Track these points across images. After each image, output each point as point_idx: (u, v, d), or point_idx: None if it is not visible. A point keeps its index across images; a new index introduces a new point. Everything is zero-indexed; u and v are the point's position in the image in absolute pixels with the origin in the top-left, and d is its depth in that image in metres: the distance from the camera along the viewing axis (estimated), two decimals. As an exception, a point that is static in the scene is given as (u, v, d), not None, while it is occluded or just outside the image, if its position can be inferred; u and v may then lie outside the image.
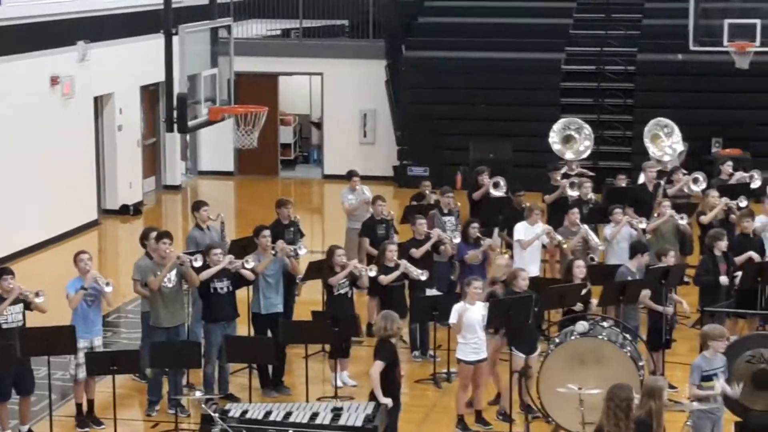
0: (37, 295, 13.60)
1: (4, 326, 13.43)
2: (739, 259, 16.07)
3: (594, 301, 14.56)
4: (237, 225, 23.05)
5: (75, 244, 21.00)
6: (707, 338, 11.92)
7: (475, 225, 16.90)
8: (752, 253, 16.30)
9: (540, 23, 28.79)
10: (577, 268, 14.83)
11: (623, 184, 20.29)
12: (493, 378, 14.39)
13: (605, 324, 13.64)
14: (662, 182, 19.79)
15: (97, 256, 20.62)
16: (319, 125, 30.26)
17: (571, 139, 23.52)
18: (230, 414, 12.14)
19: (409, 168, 27.69)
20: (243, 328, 15.71)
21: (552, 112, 26.52)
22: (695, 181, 19.85)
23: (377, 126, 28.80)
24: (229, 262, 14.71)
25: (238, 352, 14.29)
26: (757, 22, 24.38)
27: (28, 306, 13.61)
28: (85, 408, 14.28)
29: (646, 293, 14.91)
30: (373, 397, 12.27)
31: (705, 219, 17.94)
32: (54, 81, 22.74)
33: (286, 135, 30.32)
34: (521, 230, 17.19)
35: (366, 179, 19.74)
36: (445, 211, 18.24)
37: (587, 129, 23.59)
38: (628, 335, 13.63)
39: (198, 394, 13.90)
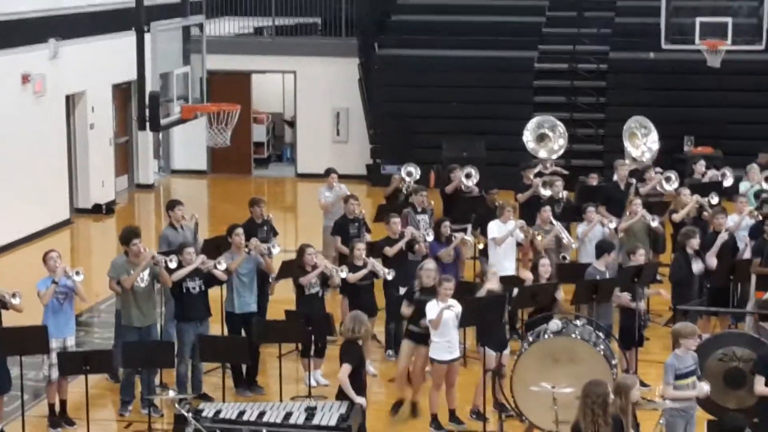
0: (14, 296, 13.54)
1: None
2: (712, 253, 16.13)
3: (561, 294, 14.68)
4: (210, 224, 22.98)
5: (47, 243, 20.90)
6: (679, 336, 11.98)
7: (447, 224, 16.91)
8: (723, 235, 16.37)
9: (513, 21, 28.83)
10: (542, 267, 14.95)
11: (595, 183, 20.35)
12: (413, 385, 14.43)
13: (578, 323, 13.67)
14: (634, 181, 19.86)
15: (69, 256, 20.57)
16: (292, 123, 30.23)
17: (546, 138, 23.57)
18: (203, 414, 12.13)
19: (382, 166, 27.68)
20: (217, 327, 15.68)
21: (525, 111, 26.58)
22: (668, 179, 19.92)
23: (350, 124, 28.78)
24: (201, 262, 14.69)
25: (211, 351, 14.26)
26: (729, 20, 24.47)
27: (4, 305, 13.55)
28: (57, 408, 14.23)
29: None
30: (341, 397, 12.27)
31: (677, 217, 18.00)
32: (25, 79, 22.63)
33: (259, 133, 30.24)
34: (494, 228, 17.22)
35: (339, 177, 19.73)
36: (419, 209, 18.27)
37: (561, 127, 23.64)
38: (601, 334, 13.66)
39: (171, 393, 13.85)
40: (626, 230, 17.75)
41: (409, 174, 19.60)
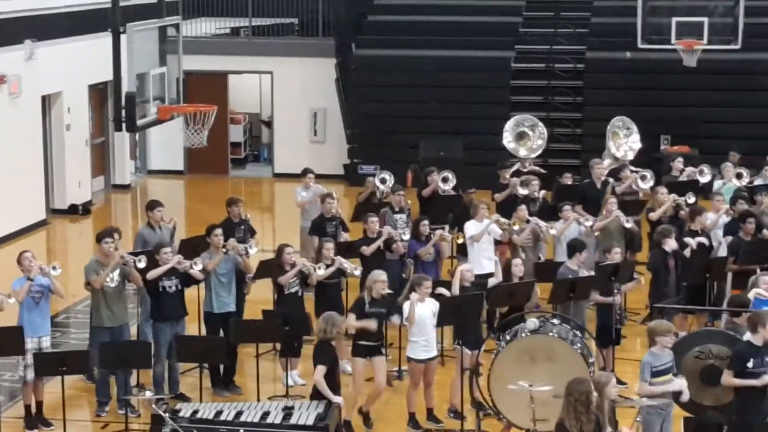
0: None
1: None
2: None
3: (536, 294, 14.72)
4: (187, 224, 22.94)
5: (23, 244, 20.80)
6: (654, 334, 12.02)
7: (425, 222, 16.93)
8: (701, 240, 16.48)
9: (490, 21, 28.86)
10: (515, 266, 15.07)
11: (569, 182, 20.41)
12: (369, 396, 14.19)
13: (555, 321, 13.68)
14: (611, 180, 19.90)
15: (45, 256, 20.48)
16: (269, 124, 30.21)
17: (525, 137, 23.59)
18: (181, 414, 12.10)
19: (359, 166, 27.68)
20: (194, 327, 15.66)
21: (502, 110, 26.63)
22: (643, 178, 19.97)
23: (327, 124, 28.77)
24: (177, 261, 14.66)
25: (189, 351, 14.25)
26: (705, 20, 24.57)
27: None
28: (33, 409, 14.16)
29: None
30: (316, 397, 12.27)
31: (654, 215, 18.05)
32: (1, 80, 22.54)
33: (236, 134, 30.23)
34: (471, 228, 17.23)
35: (316, 178, 19.72)
36: (396, 208, 18.28)
37: (541, 126, 23.68)
38: (578, 332, 13.68)
39: (148, 394, 13.82)
40: (602, 229, 17.79)
41: (383, 181, 19.56)
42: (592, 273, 15.31)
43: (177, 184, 28.90)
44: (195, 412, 12.16)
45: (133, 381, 14.82)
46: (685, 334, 13.69)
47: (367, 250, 16.41)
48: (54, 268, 13.98)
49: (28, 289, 13.80)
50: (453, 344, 14.22)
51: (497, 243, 17.56)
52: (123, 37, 17.94)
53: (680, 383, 11.98)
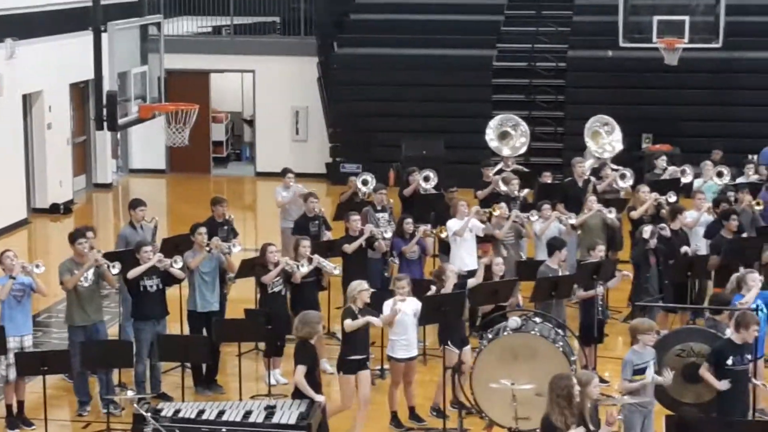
0: None
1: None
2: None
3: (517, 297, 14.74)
4: (169, 223, 22.91)
5: (4, 243, 20.73)
6: (636, 332, 12.06)
7: (409, 220, 16.93)
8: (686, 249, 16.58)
9: (471, 20, 28.87)
10: (495, 265, 15.11)
11: (549, 181, 20.44)
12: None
13: (537, 319, 13.70)
14: (592, 178, 19.95)
15: (27, 255, 20.43)
16: (251, 123, 30.18)
17: (508, 136, 23.63)
18: (162, 413, 12.06)
19: (341, 165, 27.68)
20: (177, 326, 15.64)
21: (484, 109, 26.67)
22: (622, 176, 20.04)
23: (309, 123, 28.76)
24: (158, 260, 14.63)
25: (170, 350, 14.22)
26: (686, 18, 24.65)
27: None
28: (15, 409, 14.12)
29: None
30: (297, 396, 12.25)
31: (635, 214, 18.09)
32: (-19, 79, 22.51)
33: (218, 132, 30.20)
34: (453, 225, 17.24)
35: (299, 176, 19.73)
36: (378, 207, 18.27)
37: (523, 125, 23.72)
38: (560, 330, 13.71)
39: (130, 393, 13.79)
40: (583, 227, 17.82)
41: (365, 183, 19.55)
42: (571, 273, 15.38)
43: (159, 183, 28.85)
44: (177, 411, 12.13)
45: (114, 380, 14.77)
46: (667, 332, 13.72)
47: (348, 248, 16.41)
48: (37, 266, 13.96)
49: (9, 289, 13.77)
50: (441, 345, 14.14)
51: (480, 241, 17.57)
52: (104, 36, 17.90)
53: (654, 377, 12.01)
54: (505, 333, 13.34)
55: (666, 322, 15.99)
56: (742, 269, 14.87)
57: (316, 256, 15.61)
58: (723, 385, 12.06)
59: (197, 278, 15.12)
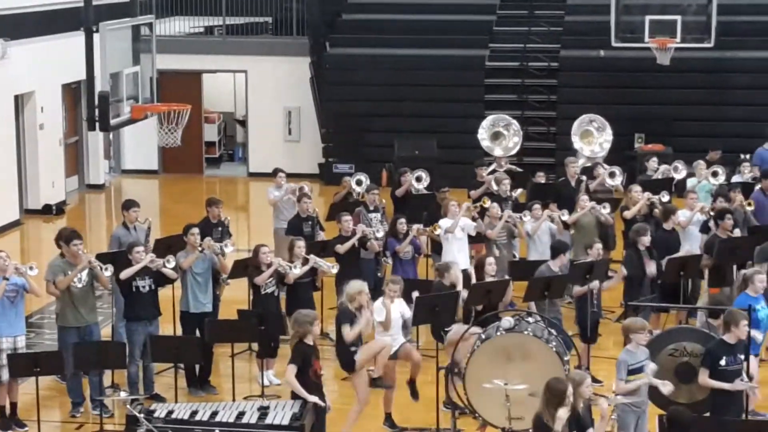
0: None
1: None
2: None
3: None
4: (162, 224, 22.90)
5: (-4, 244, 20.76)
6: (629, 331, 12.08)
7: (402, 220, 17.00)
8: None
9: (463, 20, 28.88)
10: (488, 265, 15.09)
11: (543, 181, 20.45)
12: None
13: (530, 319, 13.70)
14: (584, 177, 19.97)
15: (19, 256, 20.40)
16: (243, 123, 30.17)
17: (500, 136, 23.64)
18: (156, 414, 12.06)
19: (334, 165, 27.68)
20: (169, 327, 15.63)
21: (476, 109, 26.68)
22: (611, 175, 20.08)
23: (302, 123, 28.76)
24: (150, 260, 14.62)
25: (163, 351, 14.21)
26: (678, 18, 24.67)
27: None
28: (8, 410, 14.11)
29: None
30: (297, 396, 12.23)
31: (628, 214, 18.11)
32: (-27, 80, 22.48)
33: (210, 133, 30.18)
34: (445, 224, 17.26)
35: (291, 177, 19.73)
36: (371, 207, 18.30)
37: (515, 126, 23.74)
38: (553, 330, 13.71)
39: (123, 394, 13.79)
40: (577, 226, 17.84)
41: (359, 183, 19.55)
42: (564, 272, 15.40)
43: (151, 183, 28.83)
44: (170, 412, 12.13)
45: (107, 381, 14.76)
46: (660, 332, 13.73)
47: (341, 248, 16.42)
48: (31, 268, 13.95)
49: (3, 290, 13.75)
50: (437, 340, 14.17)
51: (472, 241, 17.59)
52: (96, 36, 17.88)
53: (653, 380, 12.04)
54: (498, 333, 13.34)
55: (658, 322, 16.01)
56: (734, 268, 14.90)
57: (312, 256, 15.64)
58: (739, 385, 12.06)
59: (190, 279, 15.12)
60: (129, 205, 16.64)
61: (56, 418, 14.53)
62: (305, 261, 15.54)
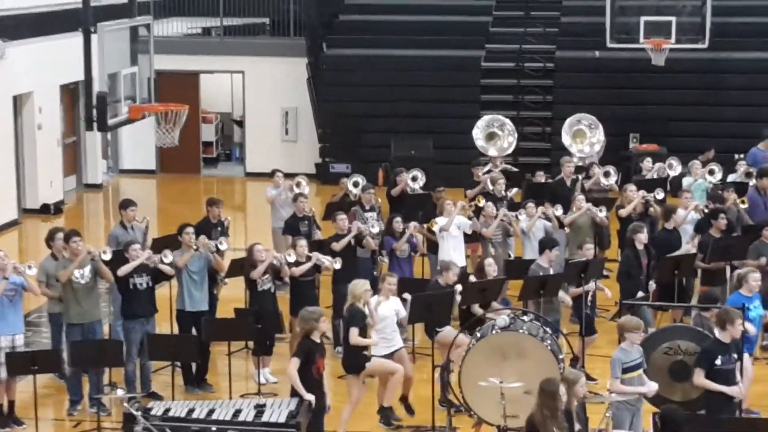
0: None
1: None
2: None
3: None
4: (159, 223, 22.93)
5: (-5, 243, 20.81)
6: (623, 330, 12.12)
7: (398, 219, 17.08)
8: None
9: (460, 21, 28.94)
10: (488, 266, 15.14)
11: (543, 180, 20.52)
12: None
13: (526, 318, 13.77)
14: (580, 177, 20.05)
15: (17, 256, 20.42)
16: (240, 123, 30.21)
17: (495, 136, 23.70)
18: (153, 412, 12.08)
19: (331, 165, 27.73)
20: (166, 325, 15.68)
21: (472, 109, 26.75)
22: (606, 174, 20.14)
23: (299, 123, 28.81)
24: (147, 257, 14.70)
25: (160, 350, 14.27)
26: (672, 19, 24.74)
27: None
28: (5, 408, 14.16)
29: None
30: (295, 393, 12.29)
31: (623, 212, 18.19)
32: (-29, 80, 22.53)
33: (208, 133, 30.24)
34: (441, 223, 17.34)
35: (288, 177, 19.77)
36: (367, 207, 18.37)
37: (510, 126, 23.79)
38: (548, 329, 13.78)
39: (120, 392, 13.83)
40: (572, 225, 17.92)
41: (356, 185, 19.63)
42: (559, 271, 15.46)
43: (149, 183, 28.88)
44: (167, 410, 12.15)
45: (104, 379, 14.82)
46: (654, 330, 13.80)
47: (337, 246, 16.48)
48: (29, 267, 14.03)
49: (2, 290, 13.81)
50: (431, 339, 14.25)
51: (468, 240, 17.67)
52: (94, 37, 17.93)
53: (652, 387, 12.11)
54: (494, 331, 13.40)
55: (654, 321, 16.08)
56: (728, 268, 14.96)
57: (315, 254, 15.73)
58: (734, 391, 12.13)
59: (185, 277, 15.17)
60: (126, 204, 16.70)
61: (54, 416, 14.59)
62: (308, 259, 15.63)
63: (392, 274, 14.25)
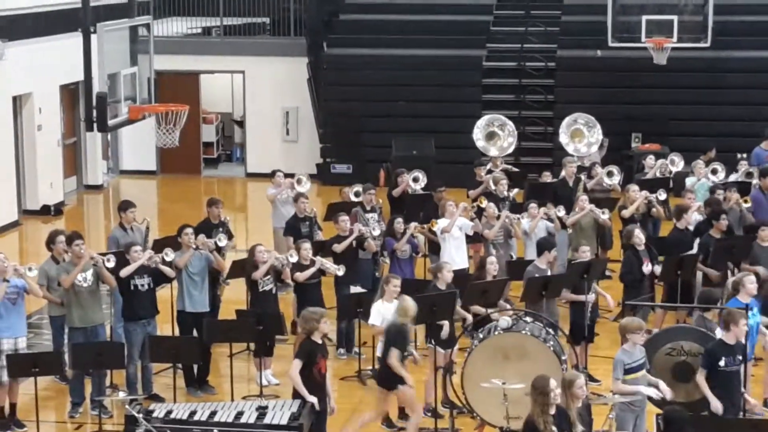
0: None
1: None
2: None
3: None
4: (160, 224, 22.90)
5: (-5, 245, 20.78)
6: (625, 331, 12.10)
7: (400, 220, 17.04)
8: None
9: (461, 20, 28.91)
10: (490, 264, 15.08)
11: (548, 180, 20.48)
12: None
13: (528, 319, 13.74)
14: (582, 177, 20.01)
15: (18, 257, 20.41)
16: (241, 123, 30.19)
17: (495, 136, 23.67)
18: (154, 414, 12.10)
19: (332, 165, 27.71)
20: (167, 327, 15.65)
21: (474, 109, 26.71)
22: (609, 174, 20.10)
23: (300, 124, 28.79)
24: (148, 257, 14.66)
25: (162, 351, 14.23)
26: (674, 18, 24.74)
27: None
28: (7, 411, 14.13)
29: None
30: (298, 395, 12.25)
31: (626, 213, 18.16)
32: (-29, 81, 22.49)
33: (208, 133, 30.21)
34: (443, 223, 17.29)
35: (289, 177, 19.73)
36: (368, 208, 18.33)
37: (510, 125, 23.77)
38: (550, 330, 13.74)
39: (121, 394, 13.81)
40: (574, 226, 17.88)
41: (357, 195, 19.59)
42: (561, 271, 15.40)
43: (149, 184, 28.85)
44: (169, 412, 12.16)
45: (106, 382, 14.78)
46: (658, 331, 13.76)
47: (338, 247, 16.45)
48: (30, 269, 13.99)
49: (4, 292, 13.77)
50: (426, 343, 14.24)
51: (470, 241, 17.63)
52: (94, 37, 17.91)
53: (653, 389, 12.07)
54: (496, 332, 13.38)
55: (659, 321, 16.04)
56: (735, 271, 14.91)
57: (318, 258, 15.69)
58: (717, 407, 12.09)
59: (185, 278, 15.14)
60: (125, 206, 16.65)
61: (55, 419, 14.56)
62: (312, 263, 15.59)
63: (395, 276, 14.21)
